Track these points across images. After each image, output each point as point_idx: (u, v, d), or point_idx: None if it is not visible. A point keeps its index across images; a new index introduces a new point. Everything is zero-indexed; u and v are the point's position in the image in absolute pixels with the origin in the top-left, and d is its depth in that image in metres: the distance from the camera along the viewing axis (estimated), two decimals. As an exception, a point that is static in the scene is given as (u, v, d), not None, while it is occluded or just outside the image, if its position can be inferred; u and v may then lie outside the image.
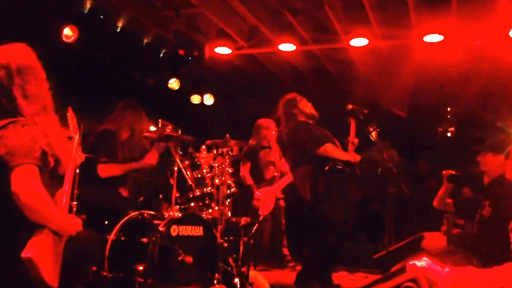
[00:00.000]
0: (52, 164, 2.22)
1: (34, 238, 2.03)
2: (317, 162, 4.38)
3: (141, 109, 4.21)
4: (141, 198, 4.13)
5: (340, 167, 4.33)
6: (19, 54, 2.27)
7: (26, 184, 2.02)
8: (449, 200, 4.16)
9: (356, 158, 4.47)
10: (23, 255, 1.97)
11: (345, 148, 4.61)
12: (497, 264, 2.12)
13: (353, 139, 4.56)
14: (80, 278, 2.49)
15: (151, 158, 4.07)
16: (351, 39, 5.45)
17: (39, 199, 2.05)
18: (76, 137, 2.46)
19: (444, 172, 4.02)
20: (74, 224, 2.26)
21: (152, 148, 4.10)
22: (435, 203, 4.15)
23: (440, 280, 1.89)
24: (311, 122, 4.61)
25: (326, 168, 4.32)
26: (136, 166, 4.05)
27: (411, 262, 1.97)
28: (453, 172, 3.98)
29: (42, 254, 2.02)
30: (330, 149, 4.35)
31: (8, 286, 2.09)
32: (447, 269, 1.93)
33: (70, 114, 2.50)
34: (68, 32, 4.64)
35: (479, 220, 3.76)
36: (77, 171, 3.31)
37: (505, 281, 1.78)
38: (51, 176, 2.24)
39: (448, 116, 7.79)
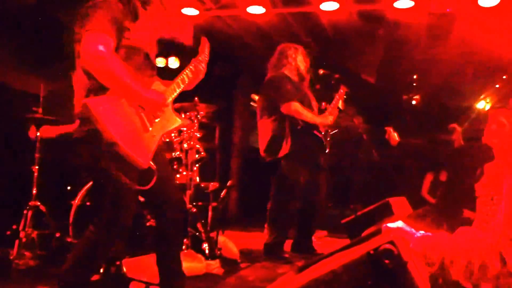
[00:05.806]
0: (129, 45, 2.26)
1: (104, 96, 2.11)
2: (281, 119, 4.26)
3: None
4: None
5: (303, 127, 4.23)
6: None
7: (92, 47, 2.04)
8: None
9: (326, 122, 4.39)
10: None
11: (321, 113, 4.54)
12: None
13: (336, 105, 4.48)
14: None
15: None
16: (321, 3, 5.34)
17: (104, 60, 2.05)
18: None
19: None
20: (154, 95, 2.30)
21: None
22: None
23: (413, 243, 1.93)
24: (295, 79, 4.43)
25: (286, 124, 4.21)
26: None
27: (386, 225, 1.98)
28: None
29: (107, 112, 2.05)
30: (295, 108, 4.16)
31: None
32: (421, 232, 1.94)
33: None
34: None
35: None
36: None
37: (452, 247, 1.80)
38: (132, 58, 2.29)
39: (414, 84, 7.86)
